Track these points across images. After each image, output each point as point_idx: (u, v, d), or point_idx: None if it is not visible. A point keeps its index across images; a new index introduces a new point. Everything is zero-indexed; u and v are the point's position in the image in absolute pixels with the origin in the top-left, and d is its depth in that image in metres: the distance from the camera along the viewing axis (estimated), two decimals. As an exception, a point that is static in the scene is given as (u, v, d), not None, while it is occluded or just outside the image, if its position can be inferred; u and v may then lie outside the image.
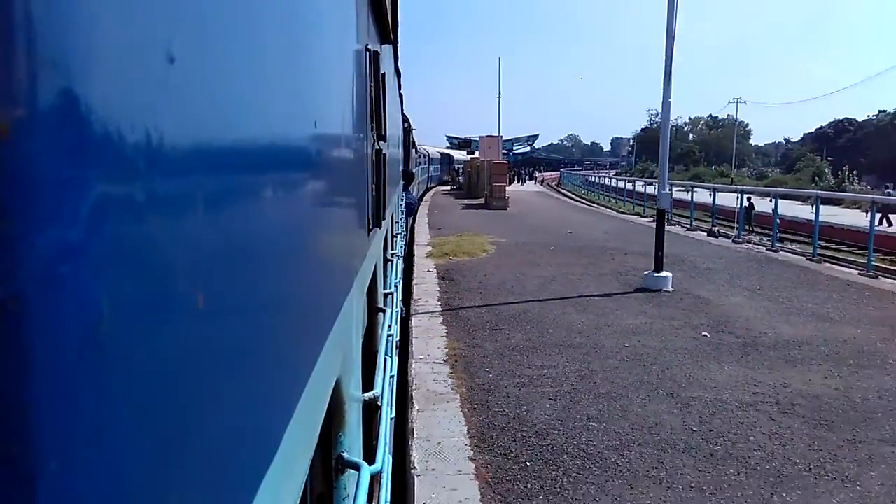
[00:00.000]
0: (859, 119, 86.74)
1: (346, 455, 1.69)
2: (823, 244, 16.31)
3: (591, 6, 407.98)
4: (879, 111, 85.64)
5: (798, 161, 69.13)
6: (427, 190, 36.56)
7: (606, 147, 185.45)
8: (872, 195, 22.31)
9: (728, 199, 22.88)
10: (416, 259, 12.21)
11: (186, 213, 0.54)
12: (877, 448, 4.43)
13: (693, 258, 12.48)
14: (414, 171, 17.29)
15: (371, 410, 2.53)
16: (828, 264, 12.75)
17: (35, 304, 0.32)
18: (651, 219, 20.58)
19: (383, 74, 2.85)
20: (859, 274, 11.37)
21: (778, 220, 16.48)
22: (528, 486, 3.90)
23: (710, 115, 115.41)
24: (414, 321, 7.67)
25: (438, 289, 9.55)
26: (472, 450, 4.33)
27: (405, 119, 12.82)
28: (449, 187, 43.70)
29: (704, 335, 7.08)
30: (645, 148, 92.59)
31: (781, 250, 14.62)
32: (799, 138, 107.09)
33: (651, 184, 27.09)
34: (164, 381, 0.47)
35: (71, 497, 0.34)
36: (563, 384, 5.54)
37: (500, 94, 37.92)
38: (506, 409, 5.02)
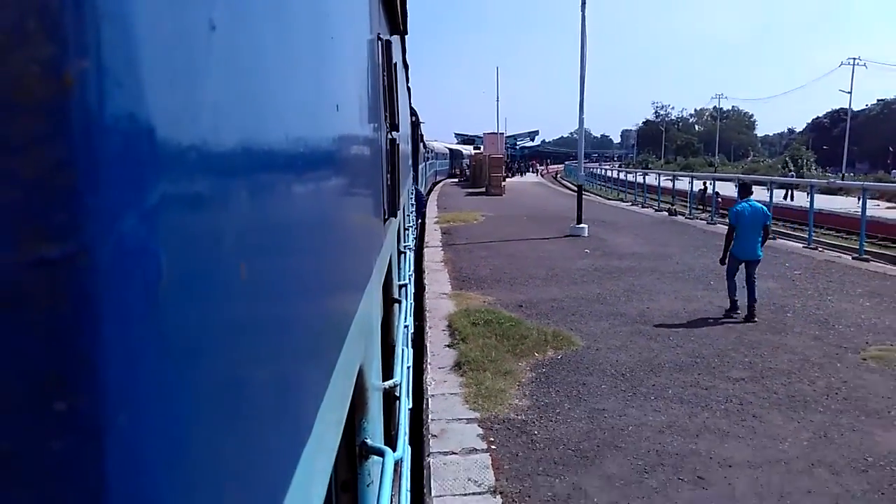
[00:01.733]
0: (856, 108, 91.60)
1: (369, 441, 1.74)
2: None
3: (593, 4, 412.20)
4: (878, 100, 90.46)
5: (785, 151, 74.17)
6: (434, 184, 40.75)
7: (617, 139, 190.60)
8: (813, 180, 28.16)
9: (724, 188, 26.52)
10: (427, 224, 18.22)
11: (233, 191, 0.56)
12: (635, 274, 10.34)
13: (617, 221, 18.37)
14: (420, 165, 18.73)
15: (389, 401, 2.62)
16: (697, 222, 18.60)
17: (100, 258, 0.33)
18: (628, 203, 26.56)
19: (395, 63, 2.91)
20: (708, 223, 17.26)
21: (718, 199, 22.05)
22: (471, 286, 9.85)
23: (715, 107, 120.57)
24: (426, 250, 13.63)
25: (440, 237, 15.53)
26: (450, 280, 10.28)
27: (413, 112, 13.14)
28: (457, 179, 49.69)
29: (586, 251, 12.97)
30: (646, 140, 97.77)
31: (698, 220, 20.37)
32: (803, 128, 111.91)
33: (647, 174, 32.52)
34: (213, 350, 0.50)
35: (138, 451, 0.35)
36: (497, 267, 11.39)
37: (497, 98, 44.00)
38: (467, 273, 10.88)
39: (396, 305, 3.63)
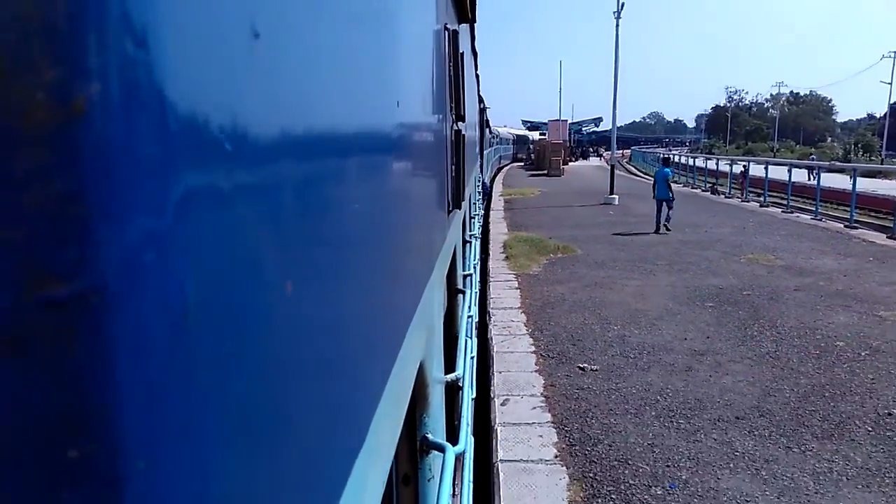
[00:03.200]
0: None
1: (430, 436, 1.75)
2: (761, 191, 25.97)
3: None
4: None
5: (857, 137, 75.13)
6: (499, 169, 45.03)
7: (691, 124, 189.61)
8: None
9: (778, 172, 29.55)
10: (493, 196, 23.45)
11: (272, 199, 0.53)
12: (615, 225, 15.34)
13: (648, 195, 23.12)
14: (486, 151, 19.73)
15: (453, 391, 2.68)
16: (732, 200, 23.03)
17: (118, 296, 0.31)
18: (680, 184, 31.06)
19: (462, 54, 2.88)
20: (742, 201, 21.70)
21: (742, 178, 26.08)
22: (519, 229, 15.08)
23: (791, 92, 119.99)
24: (491, 213, 18.91)
25: (503, 205, 20.78)
26: (507, 226, 15.57)
27: (480, 100, 13.46)
28: (523, 163, 54.59)
29: (610, 213, 17.98)
30: (716, 125, 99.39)
31: (733, 198, 24.64)
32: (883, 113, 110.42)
33: (696, 158, 36.62)
34: (252, 373, 0.47)
35: (159, 498, 0.34)
36: (540, 221, 16.56)
37: (560, 89, 48.70)
38: (519, 223, 16.17)
39: (460, 296, 3.66)
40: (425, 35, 1.78)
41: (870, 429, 4.76)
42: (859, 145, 59.76)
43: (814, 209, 17.23)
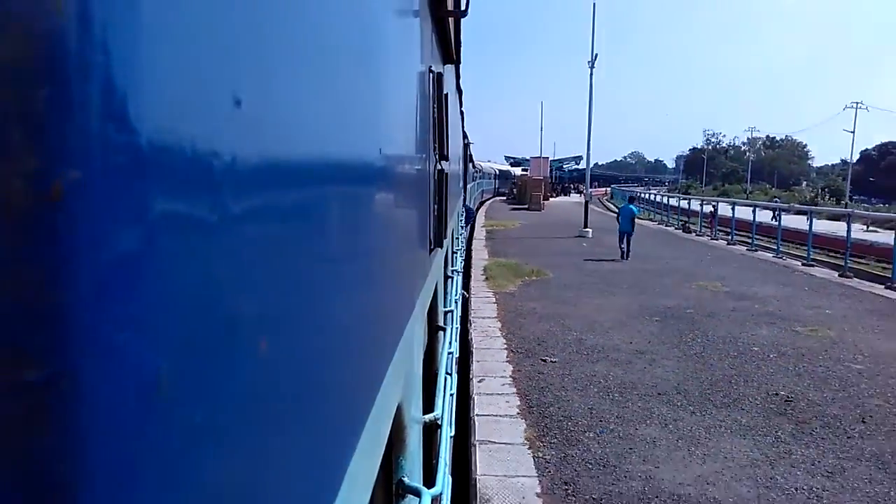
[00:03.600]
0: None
1: (406, 480, 1.73)
2: (727, 230, 27.84)
3: (659, 27, 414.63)
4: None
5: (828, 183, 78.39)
6: (481, 204, 46.79)
7: (671, 164, 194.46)
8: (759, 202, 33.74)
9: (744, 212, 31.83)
10: (475, 227, 25.05)
11: (249, 263, 0.54)
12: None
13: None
14: (469, 185, 20.68)
15: (431, 430, 2.64)
16: (702, 237, 24.83)
17: (86, 380, 0.30)
18: (655, 222, 32.81)
19: (446, 94, 2.97)
20: (711, 239, 23.48)
21: (711, 218, 27.89)
22: (499, 255, 16.63)
23: (768, 136, 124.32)
24: (474, 242, 20.46)
25: (485, 235, 22.38)
26: (488, 253, 17.11)
27: (465, 136, 13.95)
28: (505, 197, 56.51)
29: (583, 244, 19.62)
30: (694, 167, 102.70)
31: (700, 235, 26.42)
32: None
33: (684, 198, 38.69)
34: (225, 435, 0.48)
35: None
36: (518, 250, 18.13)
37: (542, 128, 51.28)
38: (498, 251, 17.73)
39: (441, 332, 3.68)
40: (410, 78, 1.83)
41: (758, 403, 6.27)
42: (826, 190, 62.55)
43: (787, 250, 18.90)
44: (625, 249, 16.46)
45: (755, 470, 4.89)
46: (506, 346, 8.15)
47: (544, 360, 7.52)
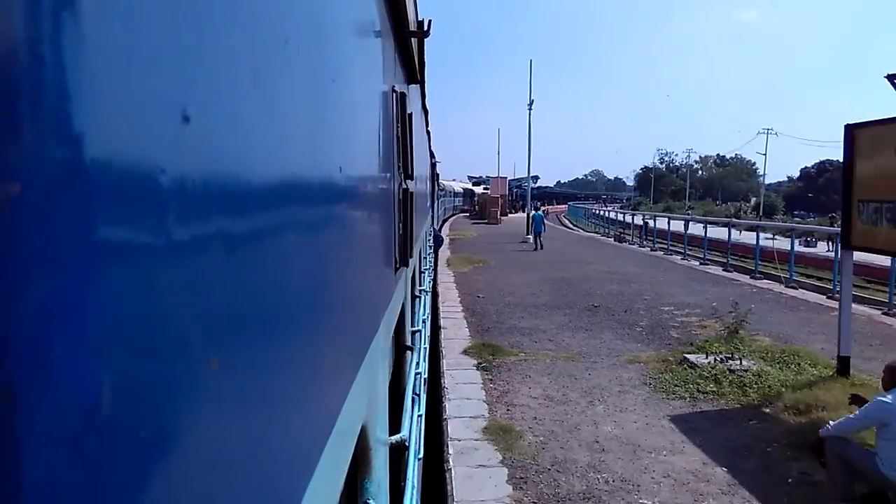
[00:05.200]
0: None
1: (371, 503, 1.72)
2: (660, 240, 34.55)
3: (618, 47, 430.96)
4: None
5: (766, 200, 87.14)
6: (446, 220, 53.39)
7: (630, 182, 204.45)
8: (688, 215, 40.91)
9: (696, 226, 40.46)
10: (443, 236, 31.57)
11: (201, 280, 0.54)
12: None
13: (564, 239, 31.63)
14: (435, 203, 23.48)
15: (399, 452, 2.62)
16: (633, 245, 31.71)
17: (26, 394, 0.30)
18: (599, 234, 39.61)
19: (410, 114, 3.00)
20: (638, 246, 30.35)
21: (647, 229, 34.45)
22: (458, 253, 23.17)
23: (718, 155, 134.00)
24: (441, 251, 26.95)
25: (448, 242, 28.94)
26: (450, 252, 23.65)
27: (431, 155, 14.32)
28: (468, 214, 63.31)
29: (522, 246, 26.31)
30: (647, 184, 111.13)
31: (626, 241, 33.29)
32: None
33: (614, 212, 45.73)
34: (171, 456, 0.47)
35: None
36: (474, 250, 24.72)
37: (499, 152, 59.31)
38: (460, 250, 24.31)
39: (408, 353, 3.70)
40: (372, 97, 1.84)
41: (581, 308, 12.80)
42: (761, 206, 70.81)
43: (691, 252, 25.11)
44: (540, 242, 24.68)
45: (566, 322, 11.41)
46: (458, 294, 14.61)
47: (479, 297, 14.02)
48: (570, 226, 58.00)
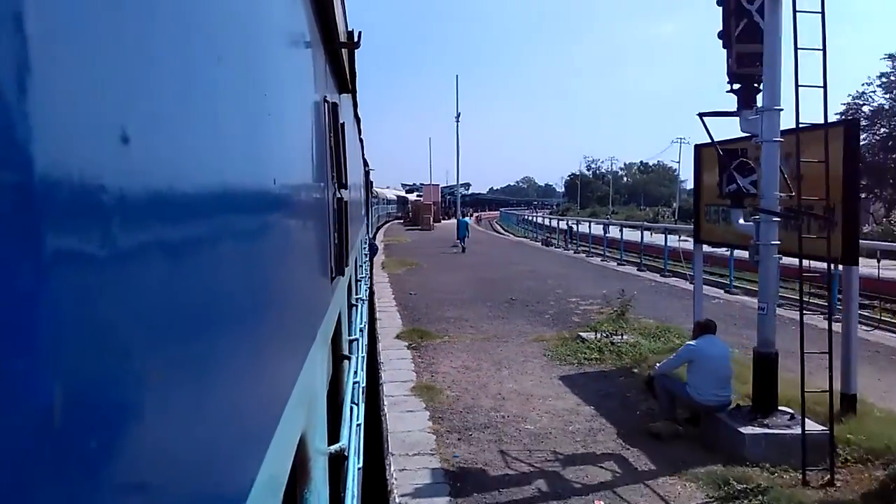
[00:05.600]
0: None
1: None
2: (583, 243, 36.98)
3: (549, 58, 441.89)
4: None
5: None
6: (381, 227, 55.31)
7: (561, 188, 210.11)
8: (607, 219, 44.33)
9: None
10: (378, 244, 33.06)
11: (145, 283, 0.56)
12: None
13: (492, 243, 33.60)
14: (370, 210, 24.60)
15: (338, 462, 2.65)
16: (558, 249, 33.95)
17: None
18: (515, 236, 41.70)
19: (342, 124, 3.03)
20: (563, 249, 32.56)
21: (571, 233, 36.75)
22: (392, 257, 24.80)
23: (642, 162, 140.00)
24: (376, 257, 28.49)
25: (384, 249, 30.51)
26: (384, 256, 25.23)
27: (365, 163, 14.65)
28: (402, 220, 64.91)
29: (453, 250, 28.15)
30: (574, 190, 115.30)
31: (552, 245, 35.50)
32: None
33: (540, 217, 48.12)
34: (121, 461, 0.49)
35: None
36: (407, 254, 26.37)
37: (430, 160, 60.09)
38: (394, 254, 25.94)
39: (346, 362, 3.72)
40: (304, 108, 1.88)
41: (501, 302, 14.61)
42: (677, 210, 75.16)
43: (610, 254, 27.27)
44: (463, 245, 27.06)
45: (486, 312, 13.16)
46: (392, 291, 16.21)
47: (411, 294, 15.66)
48: (502, 231, 60.46)
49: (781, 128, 6.19)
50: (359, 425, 3.53)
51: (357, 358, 4.34)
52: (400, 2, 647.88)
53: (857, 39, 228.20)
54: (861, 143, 45.31)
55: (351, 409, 3.25)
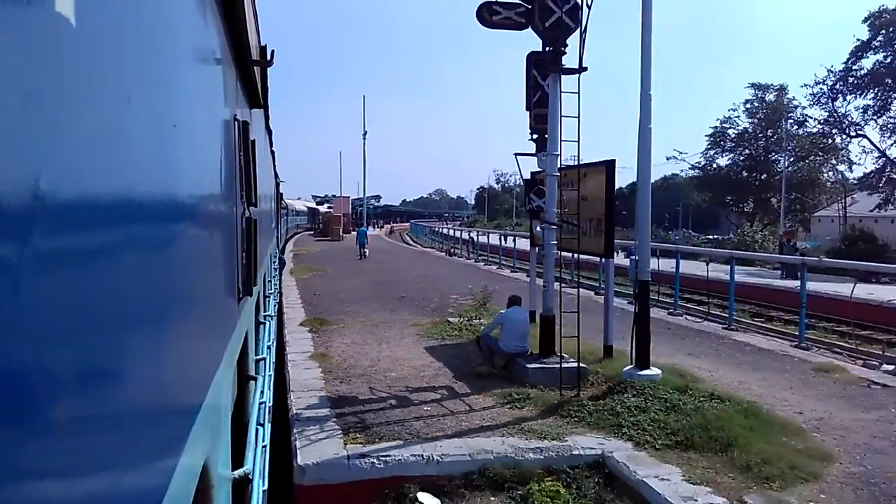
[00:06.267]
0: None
1: None
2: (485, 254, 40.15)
3: (457, 73, 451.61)
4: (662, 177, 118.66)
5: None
6: (290, 238, 56.96)
7: (472, 201, 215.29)
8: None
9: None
10: (286, 252, 35.10)
11: (35, 307, 0.55)
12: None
13: (401, 253, 36.27)
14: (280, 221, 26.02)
15: (242, 486, 2.62)
16: (461, 259, 36.91)
17: None
18: (423, 247, 44.41)
19: (253, 141, 3.03)
20: (459, 257, 35.53)
21: (473, 244, 39.75)
22: (301, 264, 27.08)
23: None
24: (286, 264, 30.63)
25: (293, 258, 32.67)
26: (293, 264, 27.47)
27: (276, 175, 14.94)
28: (313, 232, 66.69)
29: (358, 259, 30.70)
30: (483, 203, 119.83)
31: (456, 255, 38.43)
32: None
33: (449, 229, 51.06)
34: (16, 495, 0.48)
35: None
36: (315, 263, 28.70)
37: (340, 173, 62.95)
38: (302, 264, 28.22)
39: (252, 382, 3.69)
40: (212, 127, 1.86)
41: (393, 300, 17.33)
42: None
43: (505, 263, 30.26)
44: (364, 252, 30.21)
45: (378, 307, 15.83)
46: (299, 292, 18.61)
47: (315, 294, 18.14)
48: (411, 242, 63.30)
49: (560, 166, 9.26)
50: (264, 447, 3.51)
51: (264, 377, 4.35)
52: (314, 15, 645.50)
53: (746, 65, 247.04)
54: (727, 163, 51.83)
55: (257, 430, 3.27)
